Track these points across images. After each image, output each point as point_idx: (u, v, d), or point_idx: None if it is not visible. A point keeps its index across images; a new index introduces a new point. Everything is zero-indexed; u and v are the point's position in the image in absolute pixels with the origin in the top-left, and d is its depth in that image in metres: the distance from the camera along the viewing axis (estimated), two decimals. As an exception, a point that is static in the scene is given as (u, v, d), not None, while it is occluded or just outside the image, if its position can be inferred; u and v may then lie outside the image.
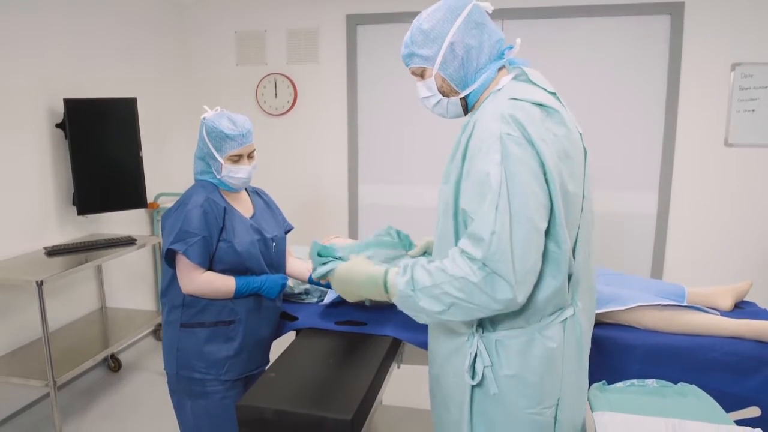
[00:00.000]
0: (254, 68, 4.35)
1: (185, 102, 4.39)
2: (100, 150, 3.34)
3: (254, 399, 1.75)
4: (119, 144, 3.47)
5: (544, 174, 1.17)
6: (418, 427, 2.60)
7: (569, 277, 1.27)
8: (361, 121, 4.27)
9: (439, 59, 1.31)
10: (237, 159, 1.90)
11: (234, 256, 1.87)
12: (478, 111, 1.30)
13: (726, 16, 3.57)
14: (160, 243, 3.72)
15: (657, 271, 3.92)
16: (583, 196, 1.29)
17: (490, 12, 1.34)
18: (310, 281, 2.12)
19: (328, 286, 2.04)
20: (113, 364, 3.60)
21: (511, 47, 1.34)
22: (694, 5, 3.60)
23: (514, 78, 1.33)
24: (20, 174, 3.03)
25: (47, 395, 3.12)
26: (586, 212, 1.30)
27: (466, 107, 1.38)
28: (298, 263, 2.17)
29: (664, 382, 1.73)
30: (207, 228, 1.83)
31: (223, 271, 1.88)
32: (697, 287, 2.05)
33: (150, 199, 3.84)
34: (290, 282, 2.20)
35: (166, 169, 4.14)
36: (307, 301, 2.23)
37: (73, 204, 3.29)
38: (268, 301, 1.97)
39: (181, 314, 1.91)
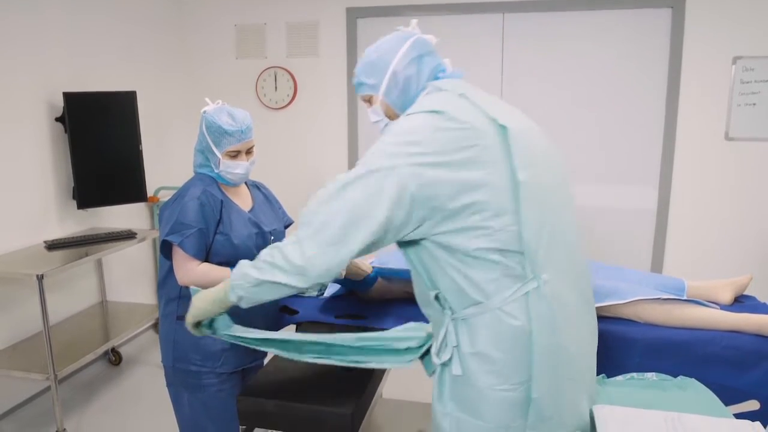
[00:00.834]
0: (254, 62, 4.34)
1: (185, 95, 4.38)
2: (100, 144, 3.33)
3: (255, 392, 1.76)
4: (119, 138, 3.46)
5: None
6: (418, 420, 2.61)
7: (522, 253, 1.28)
8: (361, 115, 4.26)
9: (383, 87, 1.44)
10: (235, 155, 1.90)
11: (230, 249, 1.87)
12: None
13: (727, 10, 3.55)
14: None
15: (657, 265, 3.92)
16: (520, 181, 1.26)
17: (435, 42, 1.48)
18: None
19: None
20: (114, 358, 3.61)
21: (443, 70, 1.46)
22: (695, -2, 3.59)
23: (427, 93, 1.43)
24: (20, 168, 3.03)
25: (48, 389, 3.13)
26: (535, 191, 1.28)
27: None
28: None
29: (663, 376, 1.73)
30: (203, 220, 1.83)
31: (220, 264, 1.88)
32: (697, 281, 2.06)
33: (150, 192, 3.84)
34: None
35: (167, 162, 4.13)
36: (307, 295, 2.23)
37: (73, 198, 3.29)
38: None
39: (177, 307, 1.92)
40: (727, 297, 1.99)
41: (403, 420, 2.68)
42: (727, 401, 1.65)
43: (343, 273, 1.98)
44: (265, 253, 1.38)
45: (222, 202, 1.89)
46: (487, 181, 1.26)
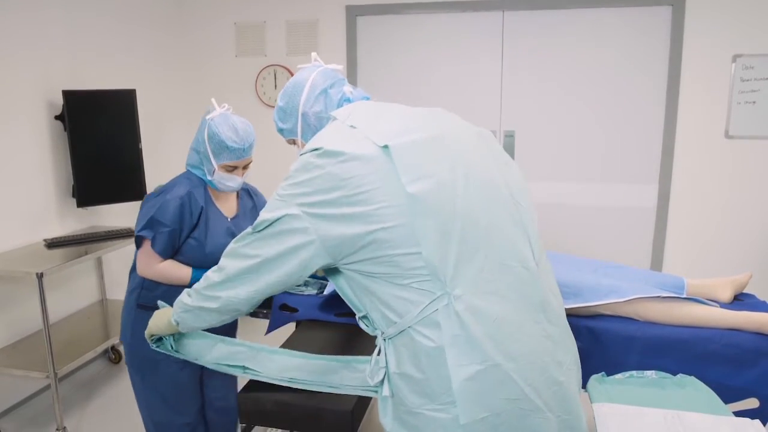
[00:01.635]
0: (253, 60, 4.34)
1: (184, 93, 4.38)
2: (100, 142, 3.33)
3: (255, 390, 1.76)
4: (119, 136, 3.46)
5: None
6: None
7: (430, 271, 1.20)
8: (361, 113, 4.25)
9: (299, 130, 1.48)
10: (231, 169, 1.91)
11: (200, 255, 1.90)
12: None
13: (727, 8, 3.55)
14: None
15: (657, 263, 3.93)
16: (410, 194, 1.18)
17: (340, 68, 1.51)
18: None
19: (326, 278, 2.04)
20: (114, 356, 3.61)
21: (348, 99, 1.45)
22: (695, -4, 3.59)
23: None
24: (19, 166, 3.03)
25: (48, 387, 3.14)
26: (433, 202, 1.19)
27: None
28: None
29: (663, 374, 1.73)
30: (179, 221, 1.86)
31: (184, 263, 1.92)
32: (697, 279, 2.06)
33: (149, 190, 3.83)
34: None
35: (166, 160, 4.12)
36: (306, 293, 2.24)
37: (73, 196, 3.29)
38: None
39: (138, 295, 1.97)
40: (726, 295, 1.99)
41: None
42: (727, 399, 1.65)
43: None
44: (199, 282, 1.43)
45: (203, 208, 1.91)
46: (378, 215, 1.18)
